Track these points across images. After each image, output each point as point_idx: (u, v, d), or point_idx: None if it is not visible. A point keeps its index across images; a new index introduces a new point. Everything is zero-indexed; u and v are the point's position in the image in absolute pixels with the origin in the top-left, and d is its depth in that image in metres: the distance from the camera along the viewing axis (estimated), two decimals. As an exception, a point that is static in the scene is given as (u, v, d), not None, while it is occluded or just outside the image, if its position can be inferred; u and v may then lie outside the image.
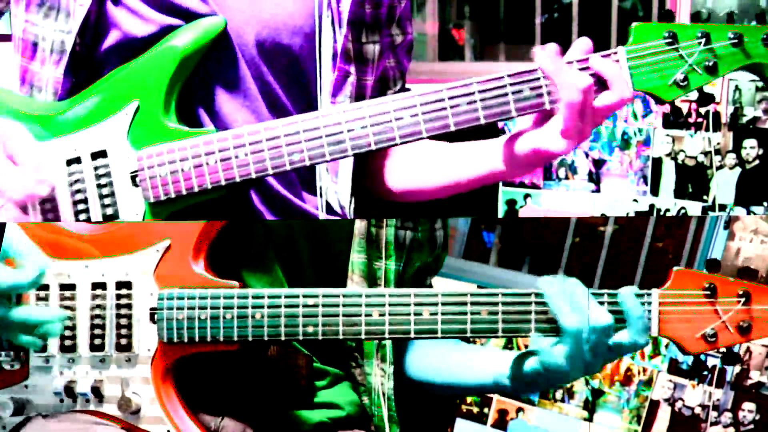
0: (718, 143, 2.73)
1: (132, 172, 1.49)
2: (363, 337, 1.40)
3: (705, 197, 2.75)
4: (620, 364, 2.55)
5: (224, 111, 1.54)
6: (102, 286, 1.44)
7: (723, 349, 1.35)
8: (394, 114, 1.44)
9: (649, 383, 2.54)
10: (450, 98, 1.43)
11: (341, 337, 1.40)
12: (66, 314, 1.44)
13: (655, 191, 2.80)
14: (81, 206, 1.50)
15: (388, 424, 1.56)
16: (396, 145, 1.45)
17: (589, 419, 2.56)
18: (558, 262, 2.62)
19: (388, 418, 1.56)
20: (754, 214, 2.68)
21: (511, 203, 2.89)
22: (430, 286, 1.69)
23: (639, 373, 2.55)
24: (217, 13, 1.51)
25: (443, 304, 1.40)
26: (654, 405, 2.54)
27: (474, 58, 3.71)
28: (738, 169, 2.72)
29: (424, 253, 1.62)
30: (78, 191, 1.50)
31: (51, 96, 1.55)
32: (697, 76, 1.44)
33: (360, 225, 1.55)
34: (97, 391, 1.43)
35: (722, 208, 2.73)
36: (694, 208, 2.76)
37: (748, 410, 2.49)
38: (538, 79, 1.43)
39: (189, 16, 1.51)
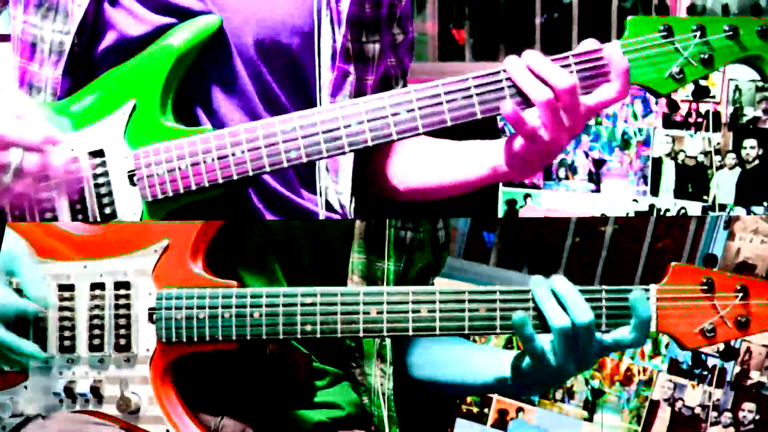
0: (718, 143, 2.73)
1: (129, 171, 1.49)
2: (361, 335, 1.40)
3: (705, 197, 2.75)
4: (620, 364, 2.55)
5: (221, 110, 1.54)
6: (100, 286, 1.44)
7: (721, 345, 1.35)
8: (390, 110, 1.44)
9: (649, 383, 2.54)
10: (446, 93, 1.43)
11: (339, 335, 1.40)
12: (42, 355, 1.44)
13: (655, 191, 2.81)
14: (78, 206, 1.50)
15: (388, 424, 1.56)
16: (393, 141, 1.45)
17: (589, 419, 2.56)
18: (558, 262, 2.62)
19: (387, 418, 1.56)
20: (754, 214, 2.68)
21: (511, 203, 2.89)
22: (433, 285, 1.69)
23: (639, 373, 2.54)
24: (213, 12, 1.51)
25: (441, 301, 1.40)
26: (654, 405, 2.54)
27: (474, 58, 3.71)
28: (738, 169, 2.72)
29: (426, 254, 1.62)
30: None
31: (50, 97, 1.55)
32: (693, 69, 1.44)
33: (360, 225, 1.55)
34: (96, 392, 1.43)
35: (722, 208, 2.73)
36: (694, 208, 2.76)
37: (748, 410, 2.49)
38: (534, 74, 1.43)
39: (185, 15, 1.51)
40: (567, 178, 2.88)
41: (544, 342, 1.40)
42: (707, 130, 2.74)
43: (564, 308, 1.38)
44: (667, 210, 2.78)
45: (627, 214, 2.81)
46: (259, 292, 1.41)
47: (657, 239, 2.59)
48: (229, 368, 1.48)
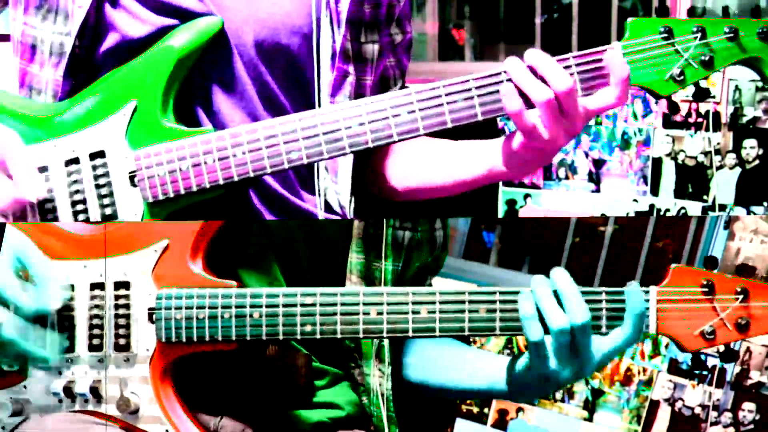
0: (718, 143, 2.73)
1: (130, 172, 1.49)
2: (361, 336, 1.40)
3: (705, 197, 2.75)
4: (620, 364, 2.55)
5: (222, 111, 1.54)
6: (100, 286, 1.44)
7: (721, 347, 1.35)
8: (391, 111, 1.44)
9: (649, 383, 2.54)
10: (447, 95, 1.44)
11: (339, 336, 1.40)
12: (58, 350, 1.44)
13: (655, 191, 2.80)
14: (80, 206, 1.50)
15: (387, 424, 1.56)
16: (394, 142, 1.46)
17: (589, 419, 2.56)
18: (558, 262, 2.62)
19: (387, 418, 1.56)
20: (754, 214, 2.68)
21: (511, 203, 2.89)
22: (431, 286, 1.69)
23: (639, 373, 2.54)
24: (214, 13, 1.51)
25: (441, 302, 1.40)
26: (654, 405, 2.53)
27: (474, 58, 3.71)
28: (738, 169, 2.72)
29: (424, 254, 1.62)
30: (76, 191, 1.50)
31: (51, 98, 1.55)
32: (693, 70, 1.44)
33: (358, 225, 1.55)
34: (95, 392, 1.43)
35: (722, 208, 2.73)
36: (694, 208, 2.76)
37: (748, 410, 2.48)
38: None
39: (186, 16, 1.51)
40: (567, 178, 2.88)
41: (547, 344, 1.40)
42: (707, 130, 2.74)
43: (562, 307, 1.38)
44: (667, 210, 2.78)
45: (627, 214, 2.81)
46: (259, 292, 1.41)
47: (657, 239, 2.59)
48: (229, 368, 1.48)
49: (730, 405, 2.49)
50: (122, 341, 1.43)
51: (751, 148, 2.70)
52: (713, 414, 2.50)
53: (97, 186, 1.50)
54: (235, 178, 1.46)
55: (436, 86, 1.44)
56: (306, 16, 1.56)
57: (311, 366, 1.52)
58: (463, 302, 1.40)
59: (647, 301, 1.40)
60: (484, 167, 1.53)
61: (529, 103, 1.42)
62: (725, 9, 2.64)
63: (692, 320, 1.39)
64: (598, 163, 2.86)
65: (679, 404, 2.52)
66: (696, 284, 1.40)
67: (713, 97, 2.71)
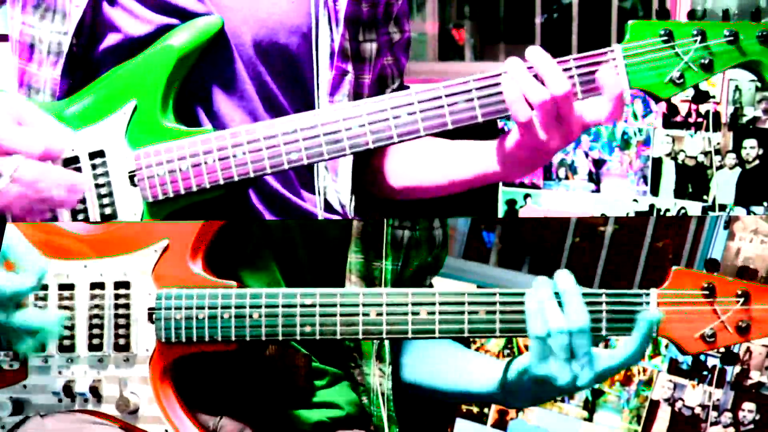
0: (718, 143, 2.73)
1: (130, 172, 1.49)
2: (360, 336, 1.40)
3: (705, 197, 2.75)
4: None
5: (222, 111, 1.54)
6: (100, 286, 1.44)
7: (722, 349, 1.35)
8: (391, 112, 1.44)
9: (649, 383, 2.54)
10: (447, 96, 1.44)
11: (339, 336, 1.40)
12: (65, 315, 1.43)
13: (655, 191, 2.80)
14: (79, 206, 1.50)
15: (387, 424, 1.56)
16: (394, 143, 1.46)
17: (589, 419, 2.56)
18: (558, 262, 2.62)
19: (387, 418, 1.56)
20: (754, 214, 2.68)
21: (511, 203, 2.89)
22: (431, 286, 1.69)
23: (639, 373, 2.54)
24: (214, 13, 1.51)
25: (441, 303, 1.40)
26: (654, 405, 2.54)
27: (474, 58, 3.71)
28: (738, 169, 2.72)
29: (423, 253, 1.62)
30: (76, 191, 1.50)
31: (49, 97, 1.55)
32: (693, 73, 1.44)
33: (357, 225, 1.55)
34: (95, 391, 1.43)
35: (722, 208, 2.73)
36: (694, 208, 2.76)
37: (748, 410, 2.48)
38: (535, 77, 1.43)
39: (185, 15, 1.51)
40: (567, 178, 2.88)
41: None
42: (707, 130, 2.74)
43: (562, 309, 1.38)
44: (667, 210, 2.78)
45: (627, 214, 2.81)
46: (259, 292, 1.41)
47: (657, 239, 2.59)
48: (229, 369, 1.48)
49: (730, 405, 2.50)
50: (122, 341, 1.43)
51: (751, 148, 2.70)
52: (713, 414, 2.50)
53: (97, 185, 1.49)
54: (235, 178, 1.46)
55: (437, 87, 1.44)
56: (304, 15, 1.56)
57: (311, 366, 1.52)
58: (462, 303, 1.40)
59: (657, 324, 1.39)
60: (478, 168, 1.54)
61: (528, 105, 1.42)
62: (725, 12, 2.64)
63: (693, 323, 1.39)
64: (598, 163, 2.86)
65: (679, 404, 2.52)
66: (697, 287, 1.39)
67: (713, 97, 2.71)
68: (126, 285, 1.44)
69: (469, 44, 3.70)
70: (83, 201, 1.49)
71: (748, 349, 2.48)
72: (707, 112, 2.73)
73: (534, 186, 2.90)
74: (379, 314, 1.39)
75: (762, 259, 2.51)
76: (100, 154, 1.49)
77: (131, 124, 1.49)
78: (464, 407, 2.60)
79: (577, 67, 1.43)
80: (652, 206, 2.80)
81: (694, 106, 2.74)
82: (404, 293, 1.40)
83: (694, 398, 2.51)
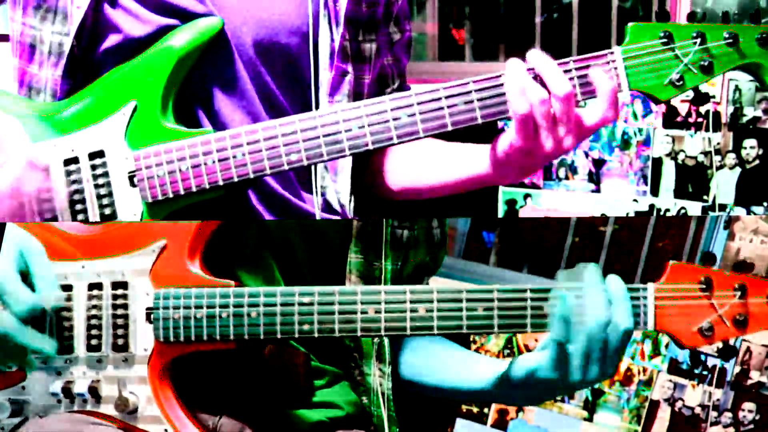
0: (718, 143, 2.73)
1: (130, 173, 1.49)
2: (359, 334, 1.40)
3: (705, 197, 2.75)
4: (620, 364, 2.55)
5: (222, 111, 1.54)
6: (98, 286, 1.44)
7: (719, 344, 1.35)
8: (391, 114, 1.44)
9: (649, 383, 2.54)
10: (447, 97, 1.44)
11: (337, 334, 1.40)
12: (55, 347, 1.44)
13: (655, 191, 2.81)
14: (79, 206, 1.50)
15: (387, 424, 1.56)
16: (394, 144, 1.46)
17: (589, 419, 2.56)
18: (558, 262, 2.62)
19: (387, 418, 1.56)
20: (754, 214, 2.68)
21: (511, 203, 2.89)
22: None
23: (639, 373, 2.54)
24: (214, 14, 1.51)
25: (439, 300, 1.39)
26: (654, 405, 2.54)
27: (474, 58, 3.71)
28: (738, 169, 2.72)
29: (421, 252, 1.62)
30: (76, 191, 1.50)
31: (50, 98, 1.55)
32: (693, 75, 1.44)
33: (357, 225, 1.55)
34: (94, 392, 1.43)
35: (722, 208, 2.73)
36: (694, 208, 2.76)
37: (748, 410, 2.49)
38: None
39: (186, 16, 1.51)
40: (567, 178, 2.89)
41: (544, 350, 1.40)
42: (707, 130, 2.74)
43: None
44: (667, 210, 2.78)
45: (627, 214, 2.81)
46: (257, 291, 1.41)
47: (657, 239, 2.59)
48: (227, 368, 1.48)
49: (730, 405, 2.50)
50: (120, 341, 1.43)
51: (751, 148, 2.71)
52: (713, 414, 2.50)
53: (97, 186, 1.49)
54: (235, 179, 1.46)
55: (436, 89, 1.44)
56: (304, 15, 1.56)
57: (310, 365, 1.52)
58: (460, 300, 1.39)
59: (637, 298, 1.39)
60: (469, 170, 1.54)
61: None
62: (725, 14, 2.64)
63: (690, 317, 1.39)
64: (598, 163, 2.86)
65: (679, 404, 2.53)
66: (694, 281, 1.39)
67: (713, 97, 2.71)
68: (124, 285, 1.44)
69: (469, 44, 3.71)
70: (83, 201, 1.49)
71: (748, 349, 2.48)
72: (707, 112, 2.73)
73: (534, 186, 2.90)
74: (378, 312, 1.39)
75: (762, 259, 2.51)
76: (100, 154, 1.49)
77: (131, 125, 1.49)
78: (464, 407, 2.60)
79: (577, 69, 1.43)
80: (652, 206, 2.81)
81: (694, 106, 2.74)
82: (402, 291, 1.40)
83: (694, 398, 2.52)
